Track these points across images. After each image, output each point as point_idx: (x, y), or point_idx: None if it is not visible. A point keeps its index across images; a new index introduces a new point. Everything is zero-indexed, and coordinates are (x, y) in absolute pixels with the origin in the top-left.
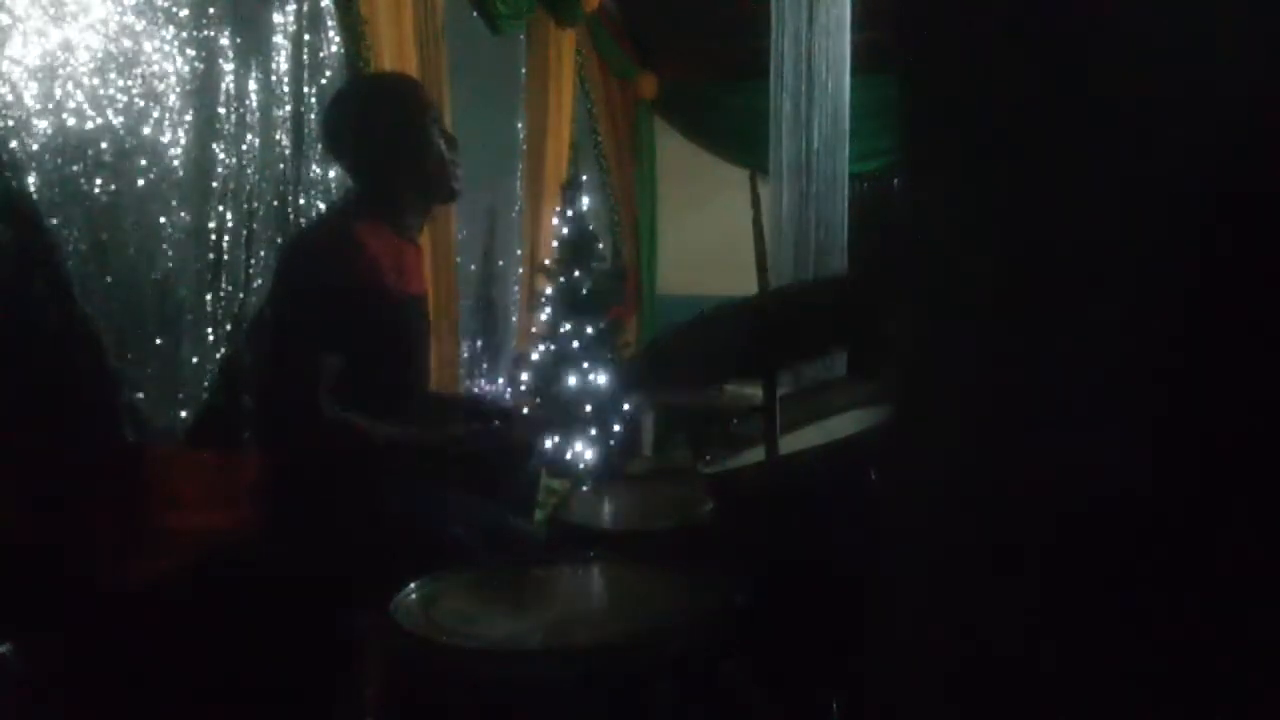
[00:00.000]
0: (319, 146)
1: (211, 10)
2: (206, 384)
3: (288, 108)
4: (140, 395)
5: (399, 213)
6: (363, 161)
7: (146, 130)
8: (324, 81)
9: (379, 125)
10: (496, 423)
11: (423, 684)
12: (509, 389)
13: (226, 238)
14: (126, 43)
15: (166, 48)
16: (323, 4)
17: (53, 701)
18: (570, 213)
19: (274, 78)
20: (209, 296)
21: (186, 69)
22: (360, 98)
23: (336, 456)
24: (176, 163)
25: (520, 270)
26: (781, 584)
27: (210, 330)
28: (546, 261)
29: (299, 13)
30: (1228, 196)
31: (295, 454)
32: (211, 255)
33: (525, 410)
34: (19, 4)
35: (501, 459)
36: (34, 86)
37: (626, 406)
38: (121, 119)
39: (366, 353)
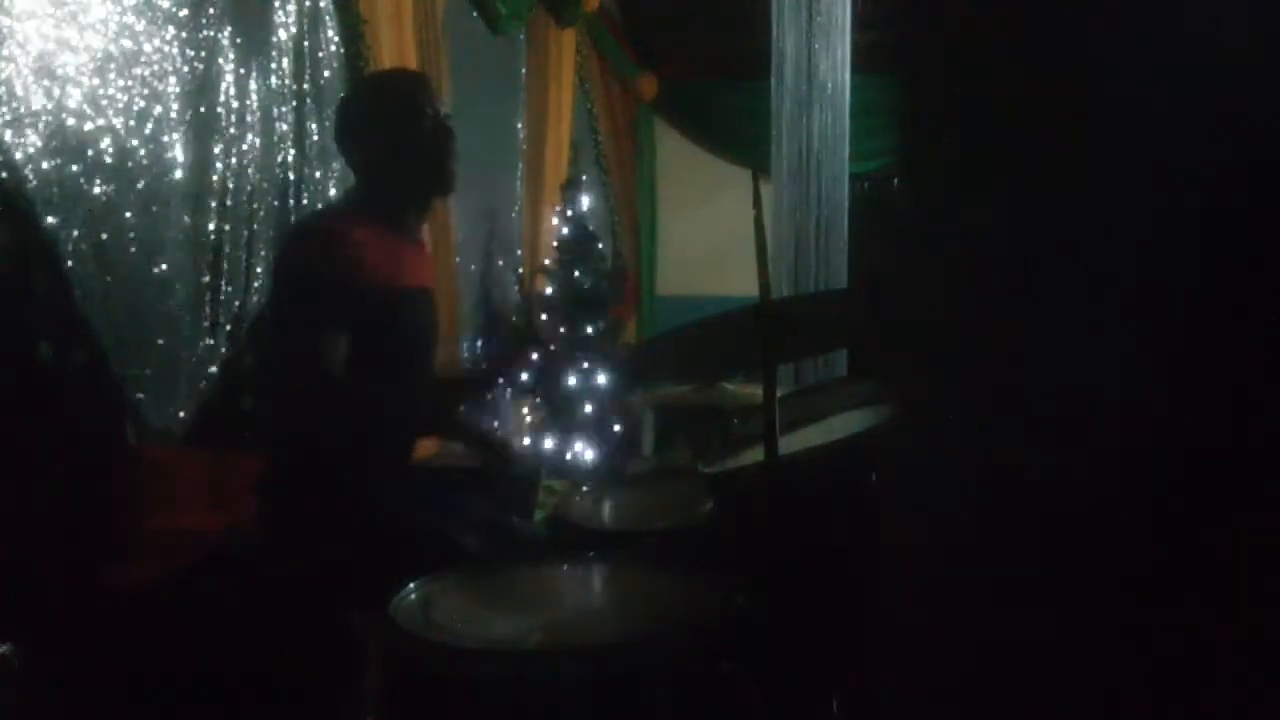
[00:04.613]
0: (319, 146)
1: (211, 10)
2: (206, 384)
3: (288, 108)
4: (140, 395)
5: (395, 208)
6: (356, 159)
7: (146, 130)
8: (324, 81)
9: (369, 124)
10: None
11: (423, 684)
12: (509, 389)
13: (226, 238)
14: (126, 43)
15: (166, 48)
16: (323, 4)
17: (53, 701)
18: (570, 213)
19: (274, 78)
20: (209, 297)
21: (186, 69)
22: (353, 97)
23: (345, 437)
24: (177, 163)
25: (520, 270)
26: (781, 584)
27: (210, 330)
28: (546, 261)
29: (299, 13)
30: (1229, 198)
31: (307, 441)
32: (211, 256)
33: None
34: (19, 4)
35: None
36: (34, 86)
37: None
38: (121, 119)
39: (360, 345)
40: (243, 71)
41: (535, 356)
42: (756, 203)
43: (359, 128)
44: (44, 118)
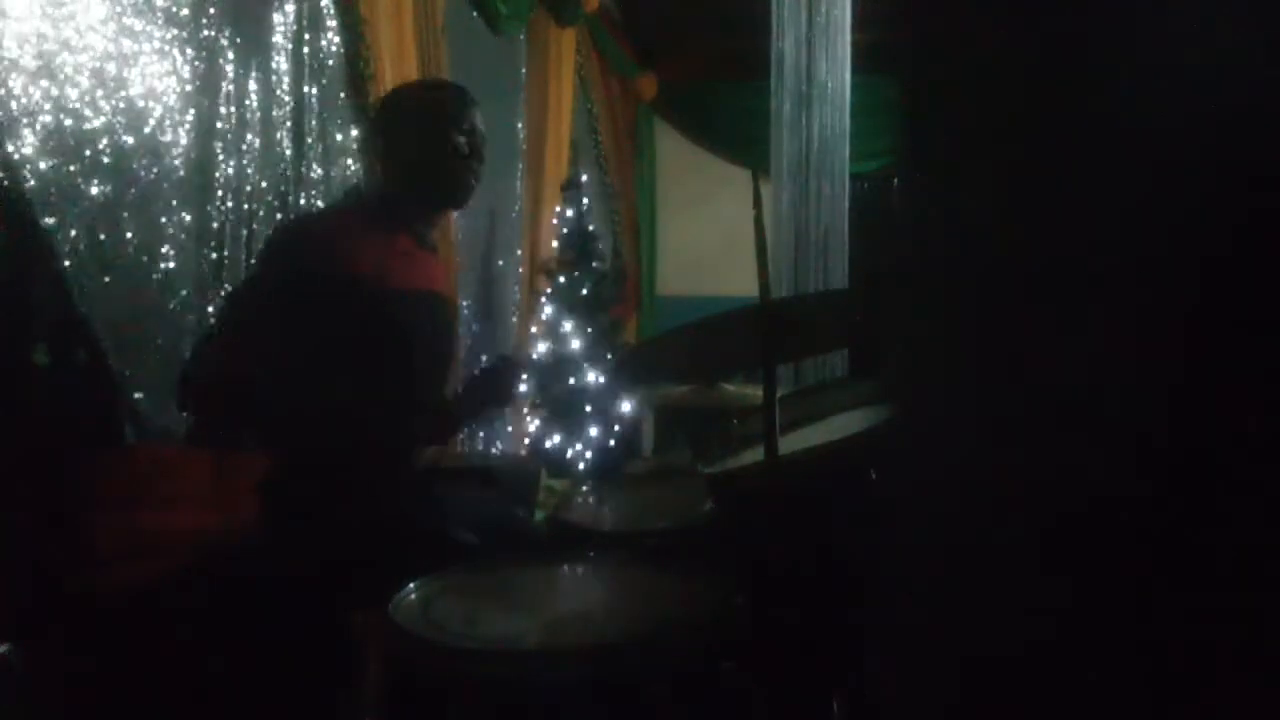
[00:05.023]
0: (319, 146)
1: (211, 10)
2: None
3: (288, 108)
4: (140, 395)
5: (403, 213)
6: (382, 157)
7: (146, 130)
8: (324, 81)
9: (390, 132)
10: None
11: (422, 684)
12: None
13: (227, 238)
14: (126, 43)
15: (166, 48)
16: (323, 4)
17: (53, 701)
18: (570, 213)
19: (274, 78)
20: (209, 297)
21: (186, 69)
22: (384, 101)
23: (328, 437)
24: (177, 163)
25: (520, 270)
26: (782, 584)
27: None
28: (546, 262)
29: (299, 13)
30: (1228, 198)
31: (280, 437)
32: (212, 255)
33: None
34: (19, 4)
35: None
36: (34, 86)
37: (622, 403)
38: (121, 119)
39: (355, 345)
40: (243, 71)
41: (535, 356)
42: (757, 203)
43: (392, 129)
44: (43, 118)
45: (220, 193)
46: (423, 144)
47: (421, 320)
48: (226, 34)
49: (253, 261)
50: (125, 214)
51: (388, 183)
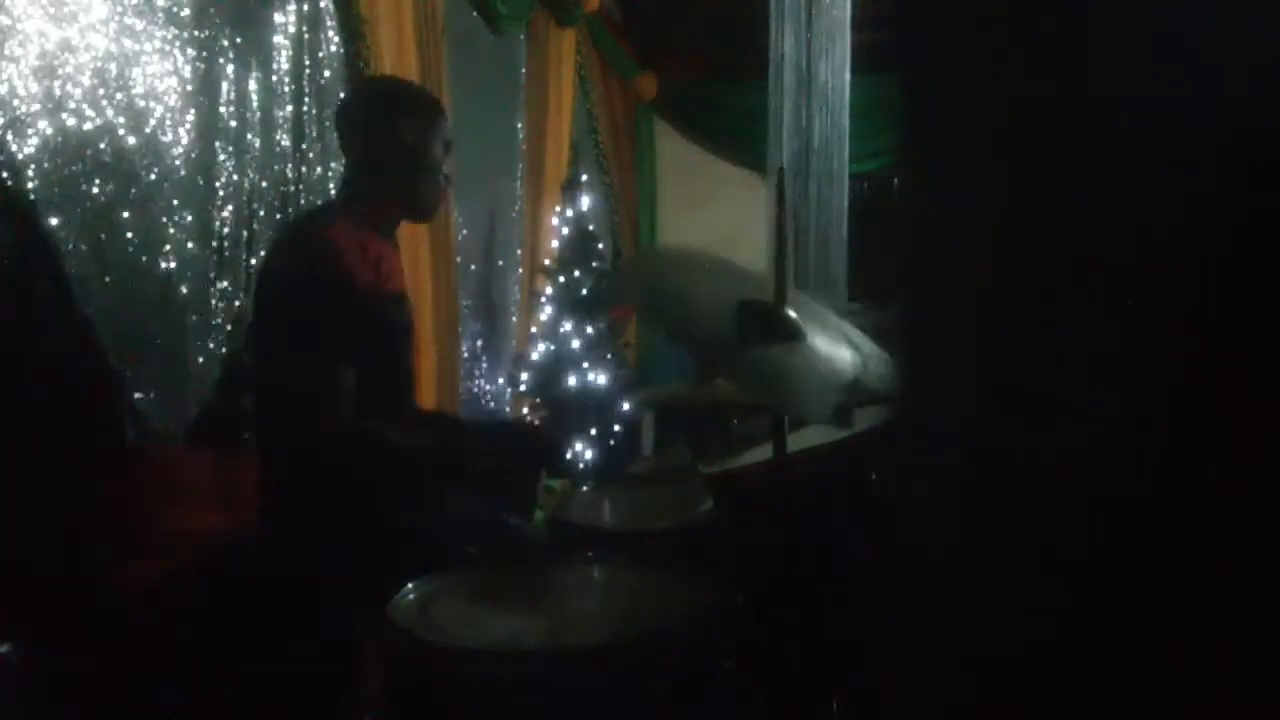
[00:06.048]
0: (319, 146)
1: (211, 10)
2: (206, 384)
3: (288, 108)
4: (140, 395)
5: (378, 214)
6: (359, 162)
7: (146, 130)
8: (324, 81)
9: (395, 135)
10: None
11: (422, 684)
12: (509, 389)
13: (227, 238)
14: (126, 43)
15: (166, 48)
16: (323, 4)
17: (53, 701)
18: (570, 213)
19: (274, 78)
20: (210, 296)
21: (186, 69)
22: (375, 98)
23: (356, 468)
24: (177, 163)
25: (520, 270)
26: (781, 584)
27: (210, 330)
28: (546, 261)
29: (299, 13)
30: (1228, 198)
31: (316, 467)
32: (212, 255)
33: (531, 418)
34: (19, 4)
35: (518, 470)
36: (34, 86)
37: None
38: (121, 119)
39: (360, 355)
40: (243, 71)
41: (535, 356)
42: (780, 202)
43: (368, 134)
44: (44, 118)
45: (220, 193)
46: (420, 177)
47: (404, 321)
48: (226, 34)
49: (252, 262)
50: (125, 214)
51: (368, 183)
